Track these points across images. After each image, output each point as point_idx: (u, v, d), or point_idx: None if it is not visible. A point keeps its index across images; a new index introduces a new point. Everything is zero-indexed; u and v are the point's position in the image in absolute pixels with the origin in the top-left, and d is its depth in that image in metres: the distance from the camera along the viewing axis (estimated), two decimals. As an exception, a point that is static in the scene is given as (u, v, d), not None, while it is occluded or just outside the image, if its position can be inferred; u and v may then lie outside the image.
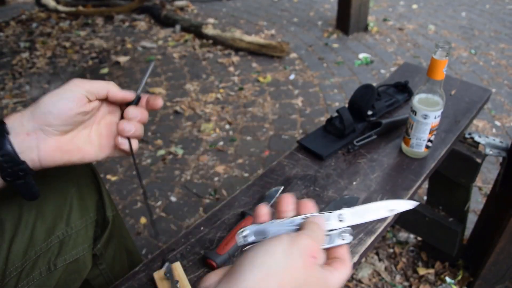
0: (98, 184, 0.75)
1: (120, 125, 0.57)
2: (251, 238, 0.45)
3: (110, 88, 0.57)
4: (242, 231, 0.45)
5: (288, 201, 0.47)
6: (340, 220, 0.48)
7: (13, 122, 0.50)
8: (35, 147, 0.51)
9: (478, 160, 1.16)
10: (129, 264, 0.86)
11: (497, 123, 2.23)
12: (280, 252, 0.38)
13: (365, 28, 3.35)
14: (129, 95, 0.59)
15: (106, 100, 0.59)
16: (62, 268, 0.64)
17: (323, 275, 0.41)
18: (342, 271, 0.43)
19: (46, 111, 0.51)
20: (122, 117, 0.59)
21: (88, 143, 0.57)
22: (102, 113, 0.60)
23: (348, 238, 0.47)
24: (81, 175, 0.71)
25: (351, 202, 0.88)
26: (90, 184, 0.72)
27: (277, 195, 0.90)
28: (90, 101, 0.55)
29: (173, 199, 1.85)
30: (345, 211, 0.48)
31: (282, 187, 0.92)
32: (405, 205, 0.48)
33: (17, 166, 0.50)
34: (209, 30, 3.30)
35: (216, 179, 1.94)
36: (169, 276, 0.68)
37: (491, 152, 1.18)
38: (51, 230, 0.63)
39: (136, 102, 0.60)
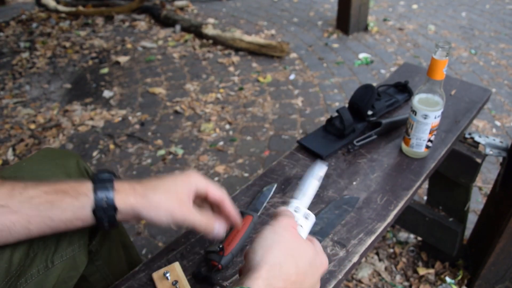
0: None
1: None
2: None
3: (224, 200, 0.66)
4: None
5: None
6: (295, 211, 0.58)
7: (121, 193, 0.59)
8: (132, 218, 0.61)
9: (478, 160, 1.16)
10: (127, 259, 0.87)
11: (497, 123, 2.23)
12: (269, 232, 0.52)
13: (365, 28, 3.35)
14: (234, 216, 0.68)
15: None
16: (61, 265, 0.64)
17: (308, 243, 0.54)
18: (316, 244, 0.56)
19: (152, 205, 0.59)
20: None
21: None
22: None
23: (311, 217, 0.58)
24: (75, 173, 0.71)
25: (351, 202, 0.88)
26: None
27: (271, 194, 0.90)
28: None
29: (173, 199, 1.85)
30: (294, 203, 0.59)
31: (275, 185, 0.92)
32: (321, 167, 0.61)
33: (113, 223, 0.60)
34: (209, 30, 3.30)
35: (216, 179, 1.94)
36: None
37: (491, 152, 1.18)
38: None
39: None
